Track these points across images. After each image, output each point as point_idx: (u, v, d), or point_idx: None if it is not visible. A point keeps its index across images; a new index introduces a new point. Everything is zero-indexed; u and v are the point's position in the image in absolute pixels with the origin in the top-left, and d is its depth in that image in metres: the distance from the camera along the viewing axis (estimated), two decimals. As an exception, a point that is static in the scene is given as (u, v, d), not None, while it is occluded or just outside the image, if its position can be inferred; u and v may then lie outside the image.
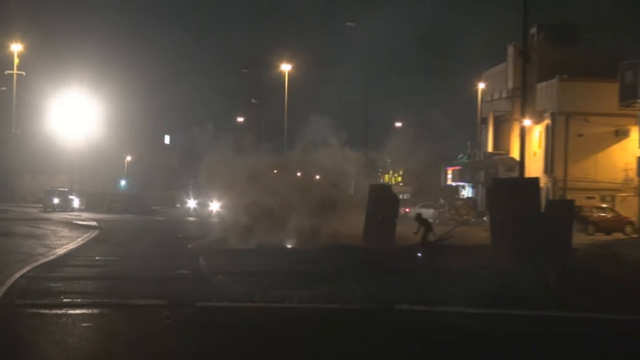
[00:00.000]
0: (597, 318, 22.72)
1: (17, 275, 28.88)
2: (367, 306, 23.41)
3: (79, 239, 48.16)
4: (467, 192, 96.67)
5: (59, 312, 21.68)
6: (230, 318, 21.75)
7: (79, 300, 23.59)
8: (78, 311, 21.85)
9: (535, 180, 40.86)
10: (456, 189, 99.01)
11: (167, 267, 34.15)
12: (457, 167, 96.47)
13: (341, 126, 56.46)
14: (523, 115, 42.87)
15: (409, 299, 24.39)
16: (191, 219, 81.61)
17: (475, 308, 23.68)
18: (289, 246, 43.78)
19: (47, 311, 21.67)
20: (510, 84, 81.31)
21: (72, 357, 16.37)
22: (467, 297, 25.53)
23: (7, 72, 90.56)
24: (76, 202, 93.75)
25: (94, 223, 66.11)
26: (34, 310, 21.62)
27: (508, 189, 38.13)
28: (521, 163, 41.59)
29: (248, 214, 48.06)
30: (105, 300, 23.63)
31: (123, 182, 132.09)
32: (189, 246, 44.07)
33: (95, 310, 22.03)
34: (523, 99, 40.74)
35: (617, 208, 70.39)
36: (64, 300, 23.45)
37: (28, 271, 30.44)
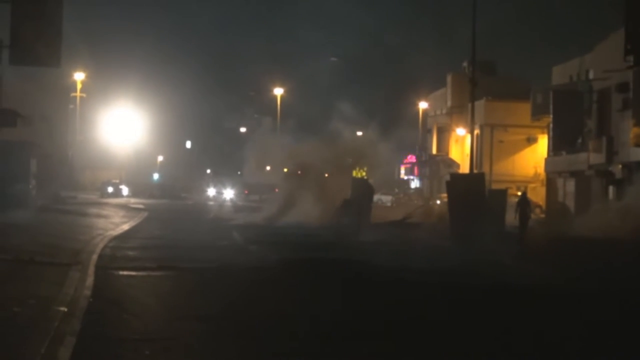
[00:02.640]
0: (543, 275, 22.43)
1: (101, 245, 28.46)
2: (370, 268, 23.12)
3: (136, 218, 47.62)
4: (415, 183, 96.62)
5: (144, 273, 21.34)
6: (272, 277, 21.43)
7: (156, 265, 23.08)
8: (158, 273, 21.48)
9: (482, 174, 40.72)
10: (407, 181, 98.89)
11: (209, 238, 33.77)
12: (408, 165, 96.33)
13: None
14: (472, 127, 42.55)
15: (399, 263, 24.17)
16: (211, 203, 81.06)
17: (446, 271, 23.52)
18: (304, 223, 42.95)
19: (135, 273, 21.31)
20: (449, 104, 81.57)
21: (171, 308, 16.00)
22: (438, 263, 25.44)
23: (72, 94, 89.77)
24: (125, 191, 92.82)
25: (142, 206, 65.46)
26: (125, 273, 21.21)
27: (463, 181, 37.91)
28: (471, 162, 41.37)
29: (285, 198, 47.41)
30: (176, 264, 23.18)
31: (156, 176, 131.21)
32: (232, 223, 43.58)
33: (171, 273, 21.65)
34: (472, 115, 40.36)
35: (529, 195, 70.41)
36: (146, 265, 23.00)
37: (108, 242, 30.01)
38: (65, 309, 14.63)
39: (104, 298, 16.67)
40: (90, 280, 18.92)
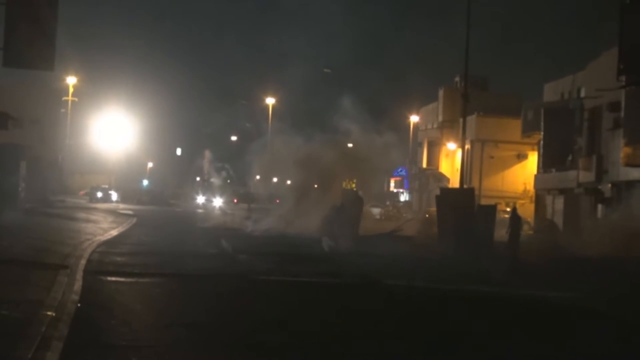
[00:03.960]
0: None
1: (89, 250, 28.27)
2: (363, 281, 22.98)
3: (125, 224, 47.37)
4: (405, 196, 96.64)
5: (132, 280, 21.23)
6: (261, 288, 21.36)
7: (144, 271, 23.04)
8: (147, 280, 21.39)
9: (472, 189, 40.78)
10: (397, 194, 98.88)
11: (198, 246, 33.71)
12: (397, 178, 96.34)
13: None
14: (463, 142, 42.23)
15: (392, 276, 24.07)
16: (200, 210, 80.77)
17: (440, 284, 23.48)
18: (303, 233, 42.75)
19: (123, 279, 21.20)
20: (440, 118, 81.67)
21: (159, 315, 15.93)
22: (431, 276, 25.39)
23: (64, 98, 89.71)
24: (114, 196, 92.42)
25: (130, 212, 65.10)
26: (114, 278, 21.10)
27: (452, 195, 37.91)
28: (461, 177, 41.27)
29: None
30: (164, 271, 23.12)
31: (145, 182, 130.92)
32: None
33: (159, 279, 21.56)
34: (463, 130, 40.24)
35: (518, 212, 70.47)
36: (134, 271, 22.90)
37: (96, 247, 29.84)
38: (53, 314, 14.54)
39: (92, 303, 16.59)
40: (78, 285, 18.81)
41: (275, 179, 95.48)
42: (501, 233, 37.07)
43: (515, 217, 35.42)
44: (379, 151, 54.76)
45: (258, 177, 68.65)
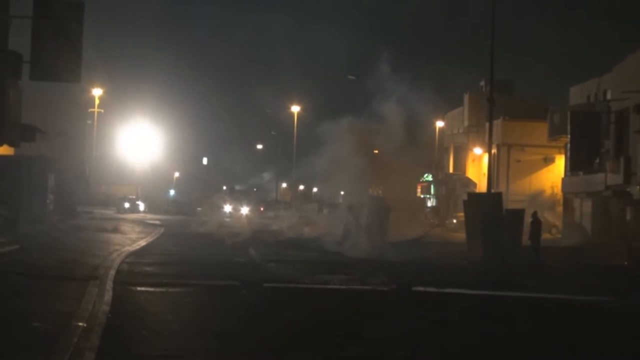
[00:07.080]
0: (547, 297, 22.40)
1: (119, 260, 28.42)
2: (392, 288, 22.94)
3: (152, 234, 47.56)
4: (432, 202, 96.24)
5: (162, 290, 21.29)
6: (291, 295, 21.38)
7: (173, 281, 23.10)
8: (176, 289, 21.42)
9: (499, 194, 40.58)
10: (423, 200, 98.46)
11: (226, 255, 33.71)
12: (424, 183, 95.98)
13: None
14: (490, 147, 42.17)
15: (421, 283, 23.98)
16: (227, 219, 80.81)
17: (472, 290, 23.39)
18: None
19: (152, 289, 21.28)
20: (466, 123, 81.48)
21: (189, 324, 15.97)
22: (461, 282, 25.30)
23: (90, 110, 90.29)
24: (142, 206, 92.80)
25: (158, 222, 65.35)
26: (143, 289, 21.18)
27: (480, 200, 37.78)
28: (488, 182, 41.03)
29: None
30: (193, 281, 23.15)
31: (172, 192, 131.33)
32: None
33: (189, 289, 21.58)
34: (490, 135, 40.01)
35: (545, 215, 70.16)
36: (163, 281, 22.97)
37: (125, 257, 29.98)
38: (85, 324, 14.61)
39: (123, 314, 16.65)
40: (108, 295, 18.89)
41: (302, 187, 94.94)
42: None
43: (536, 222, 35.26)
44: (408, 156, 54.49)
45: (285, 184, 68.13)
